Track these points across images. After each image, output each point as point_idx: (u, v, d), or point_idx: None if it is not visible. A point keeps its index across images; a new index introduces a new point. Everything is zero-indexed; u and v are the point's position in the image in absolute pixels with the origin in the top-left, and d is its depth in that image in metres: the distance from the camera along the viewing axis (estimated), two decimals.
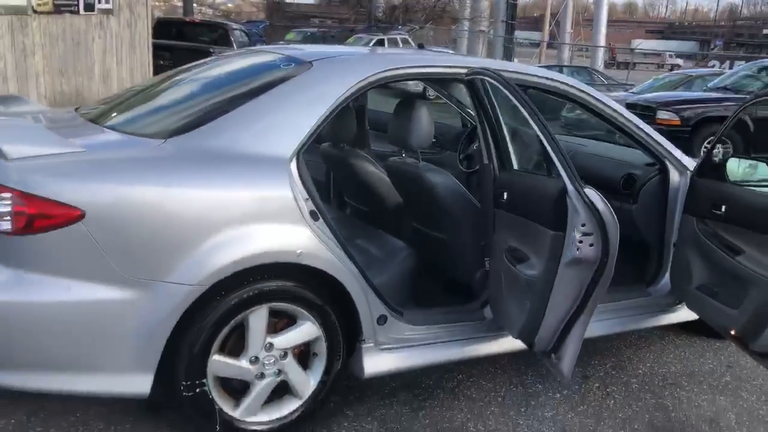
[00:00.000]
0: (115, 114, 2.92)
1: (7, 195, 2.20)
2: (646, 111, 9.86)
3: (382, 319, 2.74)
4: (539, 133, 2.56)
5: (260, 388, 2.57)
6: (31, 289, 2.23)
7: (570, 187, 2.47)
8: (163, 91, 3.19)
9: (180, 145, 2.47)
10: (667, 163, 3.39)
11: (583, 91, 3.24)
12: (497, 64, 3.45)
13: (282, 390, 2.65)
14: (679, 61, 51.46)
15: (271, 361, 2.57)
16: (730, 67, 22.34)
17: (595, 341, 3.43)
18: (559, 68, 19.61)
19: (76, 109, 3.16)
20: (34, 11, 7.67)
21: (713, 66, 29.07)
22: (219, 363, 2.48)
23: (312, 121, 2.61)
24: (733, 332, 2.87)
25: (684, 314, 3.47)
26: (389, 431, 2.76)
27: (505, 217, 2.77)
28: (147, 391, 2.39)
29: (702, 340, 3.71)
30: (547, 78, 3.20)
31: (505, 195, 2.76)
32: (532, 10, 66.10)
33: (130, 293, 2.29)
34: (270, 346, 2.56)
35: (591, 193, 2.46)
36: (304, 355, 2.68)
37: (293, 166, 2.53)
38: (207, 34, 13.45)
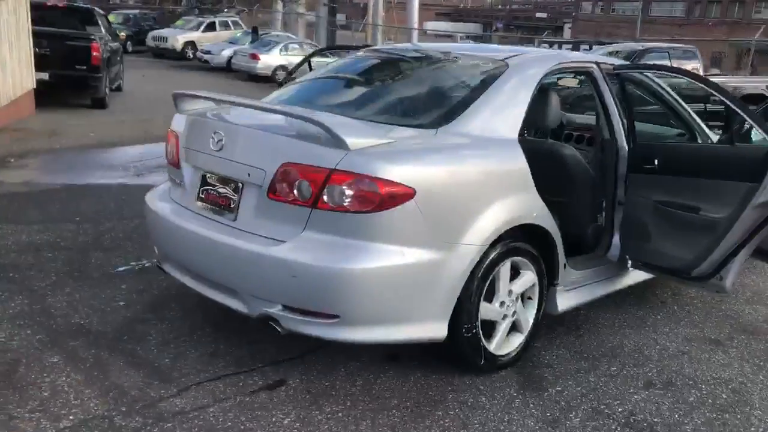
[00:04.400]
0: (362, 108, 3.34)
1: (350, 180, 2.61)
2: None
3: (564, 267, 3.44)
4: (742, 113, 3.31)
5: (504, 327, 3.18)
6: (377, 257, 2.66)
7: None
8: (384, 83, 3.73)
9: (449, 132, 2.98)
10: (696, 133, 4.39)
11: (656, 83, 4.13)
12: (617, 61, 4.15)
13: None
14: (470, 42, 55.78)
15: (510, 304, 3.17)
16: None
17: None
18: None
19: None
20: None
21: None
22: (484, 308, 3.05)
23: (524, 107, 3.23)
24: None
25: None
26: (575, 352, 3.48)
27: (653, 179, 3.55)
28: (444, 334, 2.90)
29: None
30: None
31: (656, 161, 3.54)
32: None
33: (441, 254, 2.79)
34: (510, 293, 3.16)
35: None
36: (522, 299, 3.30)
37: (520, 143, 3.14)
38: (74, 18, 12.71)
